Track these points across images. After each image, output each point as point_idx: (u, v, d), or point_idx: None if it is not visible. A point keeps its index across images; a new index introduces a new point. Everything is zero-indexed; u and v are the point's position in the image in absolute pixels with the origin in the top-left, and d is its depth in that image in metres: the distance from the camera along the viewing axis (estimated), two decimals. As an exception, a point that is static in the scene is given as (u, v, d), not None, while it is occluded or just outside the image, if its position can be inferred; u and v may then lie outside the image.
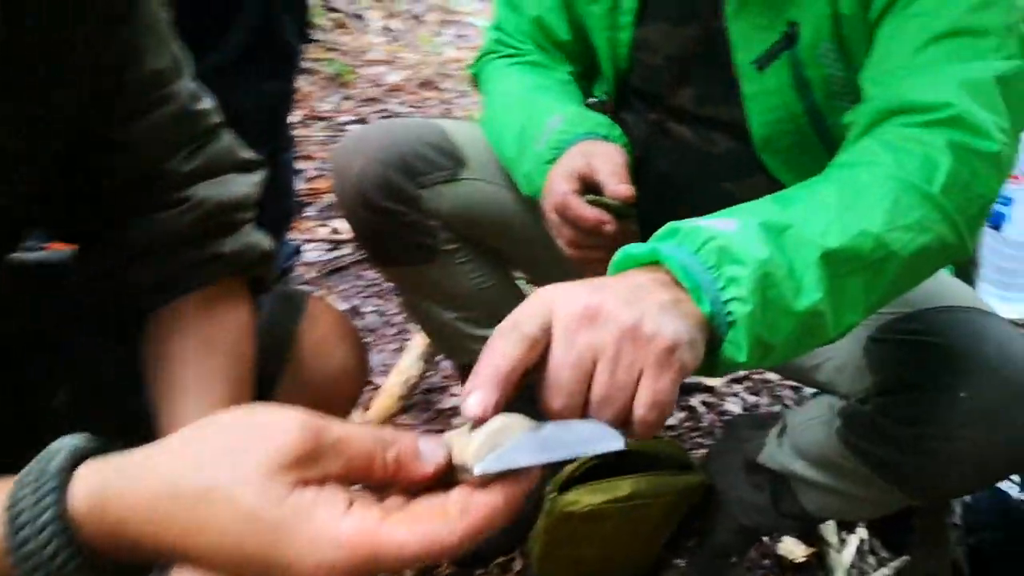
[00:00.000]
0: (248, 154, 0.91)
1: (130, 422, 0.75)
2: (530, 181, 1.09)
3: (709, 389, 1.90)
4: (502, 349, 0.55)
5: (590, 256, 0.99)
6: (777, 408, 1.86)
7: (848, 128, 0.88)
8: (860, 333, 1.01)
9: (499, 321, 1.27)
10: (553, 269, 1.30)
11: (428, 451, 0.49)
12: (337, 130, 2.89)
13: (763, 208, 0.73)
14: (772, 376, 1.95)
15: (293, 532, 0.44)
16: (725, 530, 1.33)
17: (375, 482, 0.48)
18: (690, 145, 1.12)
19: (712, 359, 0.64)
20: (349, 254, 2.28)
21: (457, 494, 0.48)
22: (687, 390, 1.89)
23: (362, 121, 2.96)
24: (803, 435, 1.11)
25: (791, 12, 0.95)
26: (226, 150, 0.88)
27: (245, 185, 0.89)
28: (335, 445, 0.47)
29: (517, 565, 1.42)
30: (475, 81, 1.30)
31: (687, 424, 1.79)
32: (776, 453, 1.17)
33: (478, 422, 0.52)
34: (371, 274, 2.22)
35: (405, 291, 1.31)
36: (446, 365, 1.87)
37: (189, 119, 0.83)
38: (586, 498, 1.23)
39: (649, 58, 1.10)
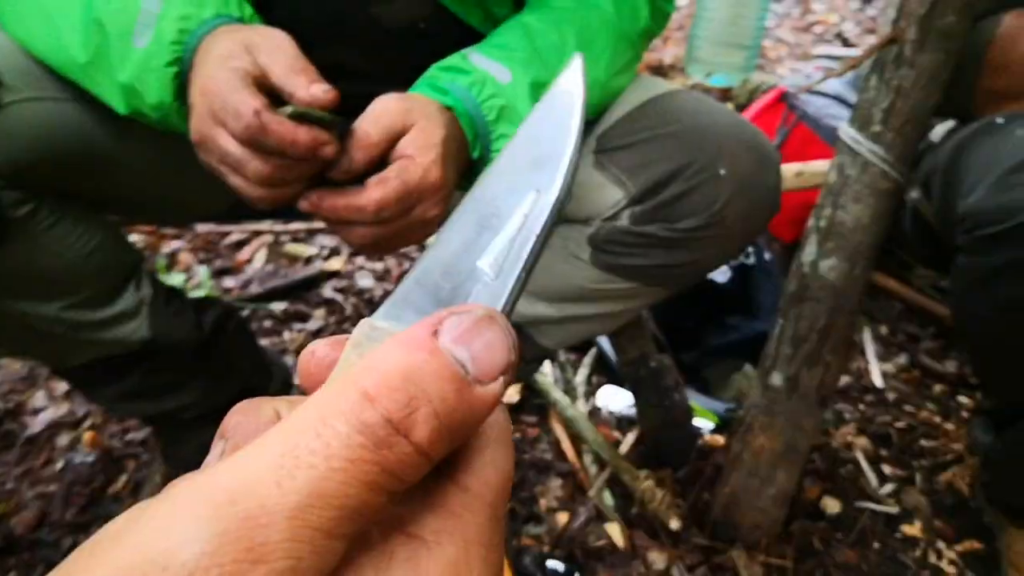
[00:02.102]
0: None
1: None
2: (136, 94, 0.72)
3: (335, 274, 1.68)
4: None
5: (282, 196, 0.70)
6: (406, 266, 1.73)
7: None
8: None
9: (119, 291, 0.90)
10: (166, 200, 0.94)
11: None
12: None
13: (525, 57, 0.82)
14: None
15: None
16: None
17: None
18: None
19: (468, 181, 0.82)
20: None
21: None
22: (311, 283, 1.65)
23: None
24: (542, 278, 1.00)
25: None
26: None
27: None
28: None
29: None
30: None
31: (333, 319, 1.57)
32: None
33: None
34: None
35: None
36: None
37: None
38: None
39: None
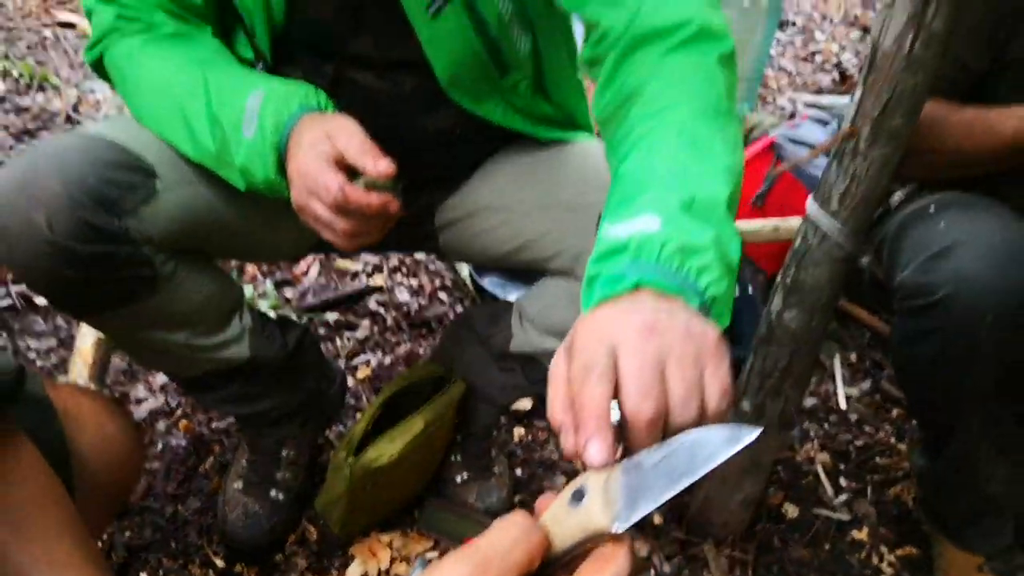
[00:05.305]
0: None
1: None
2: (250, 173, 0.97)
3: (378, 288, 1.94)
4: (592, 392, 0.54)
5: (364, 242, 0.95)
6: (438, 283, 1.99)
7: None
8: (582, 218, 1.10)
9: (228, 321, 1.16)
10: (269, 248, 1.21)
11: None
12: None
13: (655, 189, 0.72)
14: (421, 255, 2.06)
15: None
16: (484, 414, 1.45)
17: None
18: (377, 90, 1.10)
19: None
20: None
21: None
22: (358, 297, 1.91)
23: None
24: (550, 317, 1.23)
25: None
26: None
27: None
28: None
29: (312, 535, 1.39)
30: (99, 69, 1.08)
31: (376, 329, 1.83)
32: (527, 338, 1.29)
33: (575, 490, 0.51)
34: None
35: (118, 331, 1.10)
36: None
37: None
38: (387, 448, 1.24)
39: (314, 10, 1.03)
